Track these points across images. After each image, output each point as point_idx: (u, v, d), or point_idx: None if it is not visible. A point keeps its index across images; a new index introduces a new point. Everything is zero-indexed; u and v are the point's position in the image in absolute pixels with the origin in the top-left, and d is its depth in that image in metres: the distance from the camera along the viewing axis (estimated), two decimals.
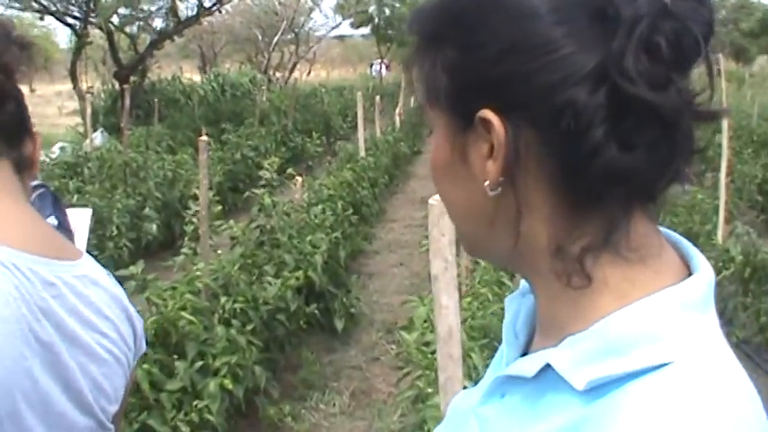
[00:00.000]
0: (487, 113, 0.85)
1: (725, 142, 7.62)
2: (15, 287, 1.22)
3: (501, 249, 0.94)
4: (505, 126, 0.85)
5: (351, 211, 9.94)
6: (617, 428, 0.76)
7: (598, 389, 0.81)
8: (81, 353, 1.33)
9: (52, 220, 3.40)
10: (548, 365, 0.86)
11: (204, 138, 5.69)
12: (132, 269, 5.34)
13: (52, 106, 34.72)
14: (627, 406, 0.77)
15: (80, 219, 5.10)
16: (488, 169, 0.87)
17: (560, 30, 0.82)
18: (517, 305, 1.08)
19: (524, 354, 1.01)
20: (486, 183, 0.88)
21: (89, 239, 5.50)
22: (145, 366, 4.51)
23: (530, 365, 0.89)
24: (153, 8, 23.25)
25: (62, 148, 14.67)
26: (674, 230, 0.98)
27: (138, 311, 1.61)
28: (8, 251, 1.26)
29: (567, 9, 0.83)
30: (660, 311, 0.82)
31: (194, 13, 23.53)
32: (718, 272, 7.13)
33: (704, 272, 0.87)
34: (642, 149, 0.81)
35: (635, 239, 0.86)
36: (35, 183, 3.47)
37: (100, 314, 1.41)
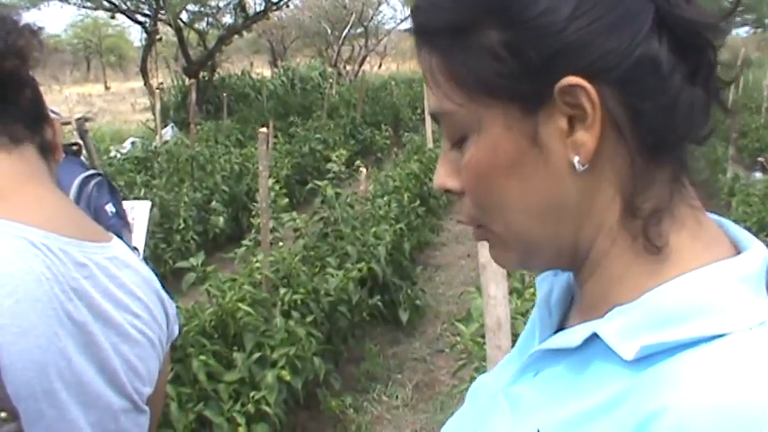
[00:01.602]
0: (574, 80, 0.81)
1: None
2: (47, 267, 1.24)
3: (561, 243, 0.90)
4: (596, 89, 0.81)
5: (417, 202, 9.90)
6: (675, 394, 0.73)
7: (648, 358, 0.79)
8: (114, 333, 1.35)
9: (110, 207, 3.44)
10: (593, 336, 0.85)
11: (264, 130, 5.65)
12: (192, 260, 5.37)
13: (126, 103, 35.36)
14: (685, 372, 0.75)
15: (139, 211, 5.16)
16: (580, 141, 0.83)
17: None
18: (549, 284, 1.06)
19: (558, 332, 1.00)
20: (576, 158, 0.83)
21: (150, 231, 5.55)
22: (202, 357, 4.53)
23: (574, 336, 0.88)
24: (221, 4, 23.54)
25: (133, 144, 14.90)
26: (747, 220, 0.94)
27: (171, 297, 1.62)
28: (39, 232, 1.28)
29: None
30: (716, 282, 0.81)
31: (262, 8, 23.71)
32: None
33: (758, 248, 0.86)
34: (701, 89, 0.84)
35: (686, 210, 0.87)
36: (92, 171, 3.51)
37: (132, 295, 1.42)
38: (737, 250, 0.87)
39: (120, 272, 1.41)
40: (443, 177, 0.94)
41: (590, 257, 0.91)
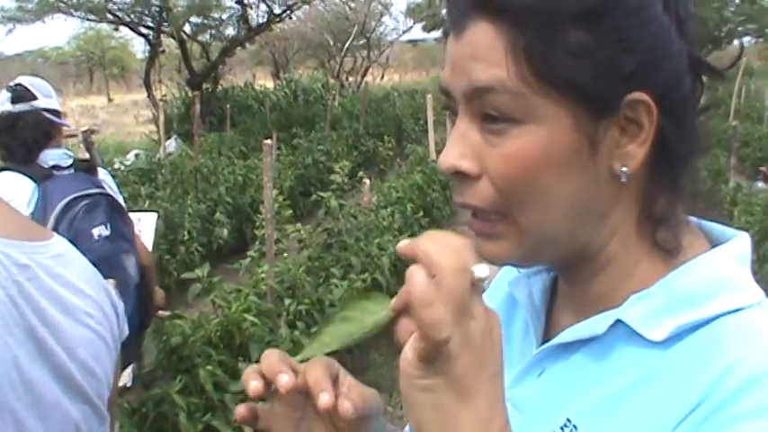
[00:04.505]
0: (643, 96, 0.87)
1: None
2: None
3: (576, 242, 0.94)
4: (658, 108, 0.88)
5: (421, 213, 9.89)
6: (738, 352, 0.82)
7: (675, 337, 0.87)
8: (65, 336, 1.26)
9: (101, 230, 3.43)
10: (616, 324, 0.91)
11: (268, 141, 5.68)
12: (198, 272, 5.38)
13: (129, 115, 35.44)
14: (733, 336, 0.84)
15: (146, 223, 5.18)
16: (632, 154, 0.89)
17: (666, 18, 0.89)
18: (526, 287, 1.10)
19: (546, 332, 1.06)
20: (624, 169, 0.89)
21: (155, 242, 5.58)
22: (209, 368, 4.55)
23: (597, 325, 0.93)
24: (224, 16, 23.56)
25: (137, 155, 14.91)
26: (749, 229, 1.03)
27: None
28: None
29: (660, 5, 0.89)
30: (724, 263, 0.91)
31: (265, 20, 23.73)
32: None
33: (742, 235, 0.96)
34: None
35: (680, 211, 0.96)
36: (91, 191, 3.52)
37: (81, 293, 1.33)
38: (712, 242, 0.96)
39: (64, 269, 1.32)
40: (457, 158, 0.92)
41: (600, 257, 0.96)
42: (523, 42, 0.86)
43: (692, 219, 0.99)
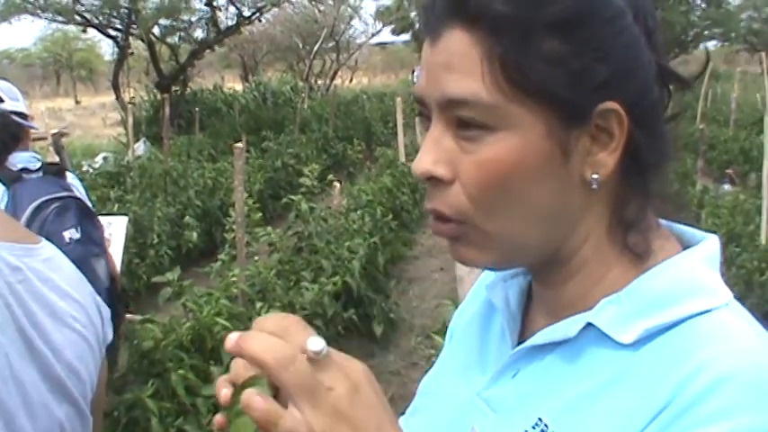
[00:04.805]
0: (615, 105, 0.89)
1: (767, 142, 7.51)
2: None
3: (547, 248, 0.96)
4: (629, 117, 0.90)
5: (390, 216, 9.91)
6: (705, 354, 0.84)
7: (645, 339, 0.89)
8: (53, 338, 1.28)
9: (71, 234, 3.41)
10: (587, 327, 0.94)
11: (239, 144, 5.69)
12: (169, 275, 5.37)
13: (96, 117, 35.18)
14: (701, 339, 0.86)
15: (116, 226, 5.15)
16: (603, 162, 0.91)
17: (636, 28, 0.91)
18: (503, 290, 1.11)
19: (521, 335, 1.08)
20: (596, 176, 0.91)
21: (126, 246, 5.56)
22: (181, 372, 4.54)
23: (569, 328, 0.95)
24: (193, 18, 23.46)
25: (105, 158, 14.82)
26: (717, 231, 1.06)
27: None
28: None
29: (630, 16, 0.91)
30: (693, 266, 0.94)
31: (234, 22, 23.68)
32: (761, 273, 7.03)
33: (711, 238, 0.98)
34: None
35: (650, 214, 0.98)
36: (61, 194, 3.50)
37: (68, 297, 1.35)
38: (683, 244, 0.98)
39: (53, 273, 1.34)
40: (432, 164, 0.92)
41: (571, 262, 0.98)
42: (499, 50, 0.87)
43: (663, 222, 1.00)
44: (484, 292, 1.16)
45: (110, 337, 1.52)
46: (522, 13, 0.86)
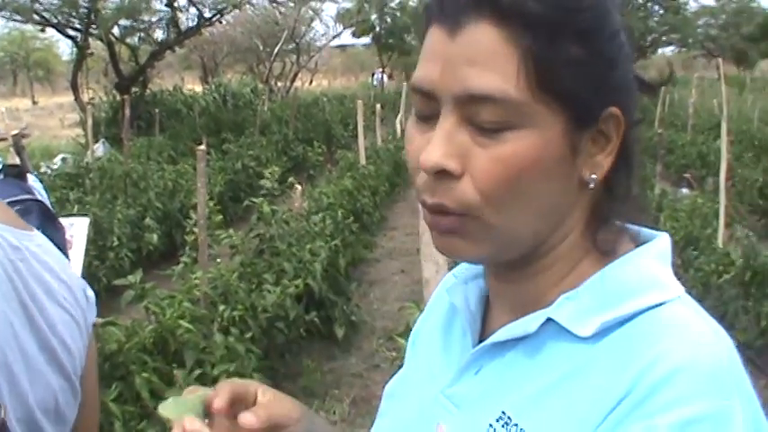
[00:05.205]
0: (617, 111, 0.95)
1: (724, 147, 7.63)
2: None
3: (534, 242, 0.99)
4: (627, 123, 0.97)
5: (351, 219, 9.94)
6: (660, 347, 0.88)
7: (603, 332, 0.93)
8: (48, 314, 1.35)
9: None
10: (547, 322, 0.97)
11: (202, 147, 5.68)
12: (131, 278, 5.34)
13: (54, 118, 34.81)
14: (656, 332, 0.90)
15: (78, 228, 5.11)
16: (600, 163, 0.97)
17: (630, 43, 1.00)
18: (463, 292, 1.14)
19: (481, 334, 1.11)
20: (594, 176, 0.96)
21: (87, 249, 5.52)
22: (144, 375, 4.52)
23: (529, 324, 0.98)
24: (153, 19, 23.38)
25: (63, 159, 14.70)
26: (675, 235, 1.10)
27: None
28: None
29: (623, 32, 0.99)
30: (647, 262, 0.98)
31: (195, 23, 23.59)
32: (718, 276, 7.13)
33: (663, 236, 1.04)
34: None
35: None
36: (23, 197, 3.48)
37: (59, 279, 1.42)
38: (636, 242, 1.03)
39: (47, 257, 1.40)
40: (444, 157, 0.91)
41: (548, 257, 1.01)
42: (535, 50, 0.88)
43: (617, 222, 1.04)
44: (446, 296, 1.18)
45: (93, 319, 1.58)
46: (555, 16, 0.89)
